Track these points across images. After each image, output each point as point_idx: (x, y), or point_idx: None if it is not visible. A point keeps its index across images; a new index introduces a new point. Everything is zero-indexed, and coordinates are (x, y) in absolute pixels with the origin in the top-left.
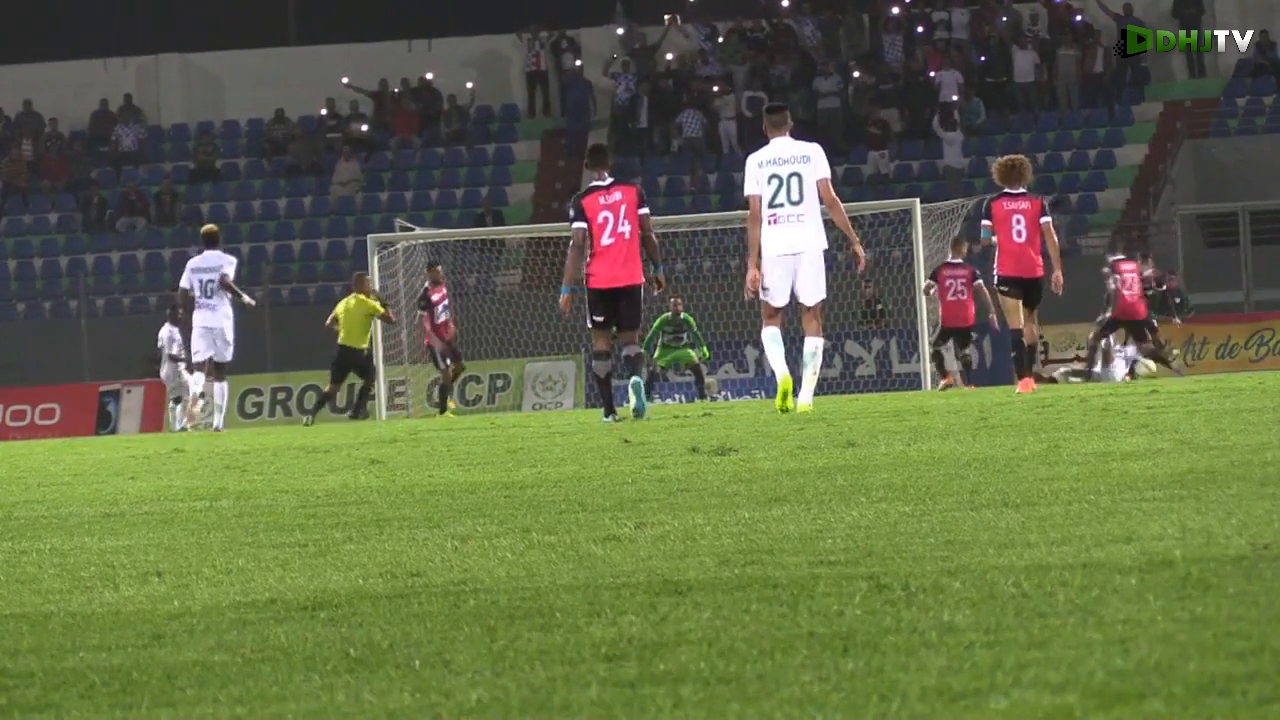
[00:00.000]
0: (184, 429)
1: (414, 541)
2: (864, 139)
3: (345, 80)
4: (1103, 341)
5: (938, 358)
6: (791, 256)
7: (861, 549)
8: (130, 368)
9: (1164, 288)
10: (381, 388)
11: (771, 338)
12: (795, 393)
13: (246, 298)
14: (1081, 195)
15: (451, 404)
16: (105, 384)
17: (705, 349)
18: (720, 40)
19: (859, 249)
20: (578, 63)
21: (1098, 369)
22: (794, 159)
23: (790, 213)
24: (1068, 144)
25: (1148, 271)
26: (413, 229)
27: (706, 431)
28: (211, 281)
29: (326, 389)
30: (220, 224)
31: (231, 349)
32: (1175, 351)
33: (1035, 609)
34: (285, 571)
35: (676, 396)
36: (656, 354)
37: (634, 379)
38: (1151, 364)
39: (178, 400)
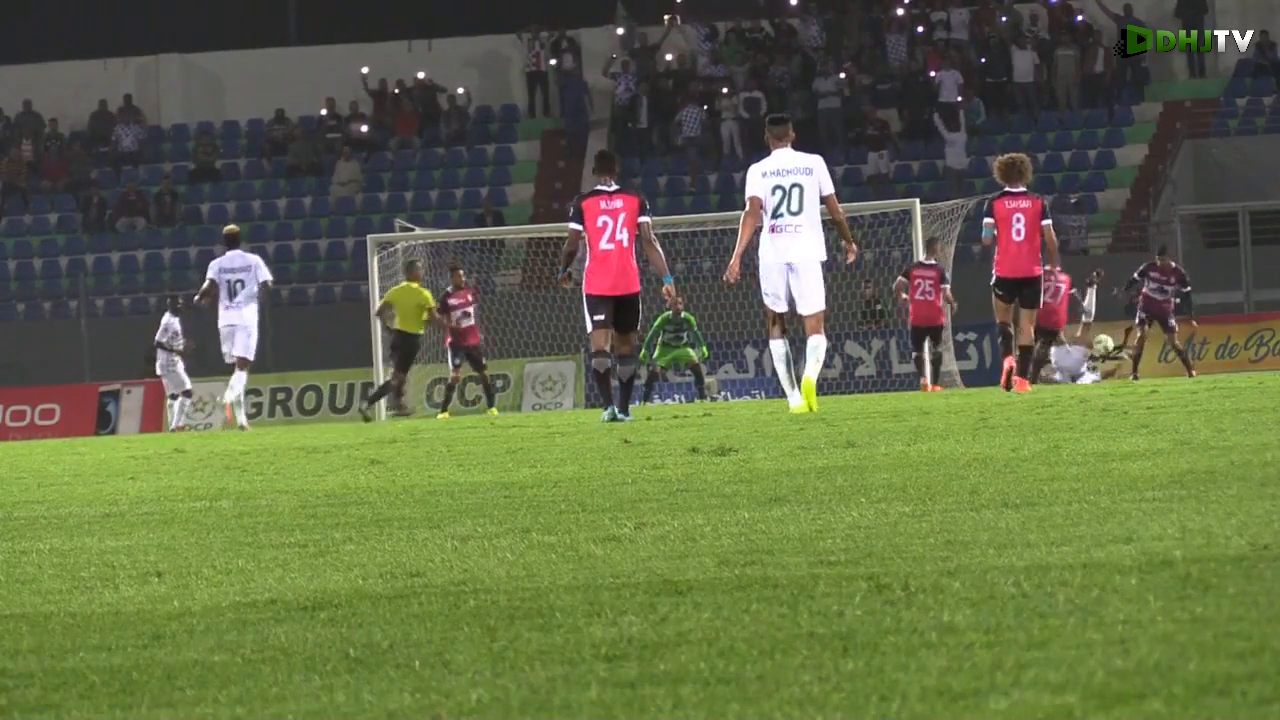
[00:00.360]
0: (180, 428)
1: (414, 541)
2: (864, 139)
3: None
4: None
5: (919, 363)
6: (787, 266)
7: (861, 549)
8: (130, 368)
9: (1188, 288)
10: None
11: (779, 355)
12: (798, 383)
13: (254, 306)
14: (1082, 195)
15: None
16: (105, 384)
17: (705, 349)
18: (720, 40)
19: (851, 247)
20: (575, 63)
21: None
22: (796, 170)
23: (790, 223)
24: (1068, 144)
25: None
26: (413, 229)
27: (706, 431)
28: (240, 281)
29: (390, 379)
30: (220, 224)
31: (254, 345)
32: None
33: (1035, 609)
34: (285, 571)
35: (676, 396)
36: (656, 353)
37: (608, 413)
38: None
39: (174, 397)
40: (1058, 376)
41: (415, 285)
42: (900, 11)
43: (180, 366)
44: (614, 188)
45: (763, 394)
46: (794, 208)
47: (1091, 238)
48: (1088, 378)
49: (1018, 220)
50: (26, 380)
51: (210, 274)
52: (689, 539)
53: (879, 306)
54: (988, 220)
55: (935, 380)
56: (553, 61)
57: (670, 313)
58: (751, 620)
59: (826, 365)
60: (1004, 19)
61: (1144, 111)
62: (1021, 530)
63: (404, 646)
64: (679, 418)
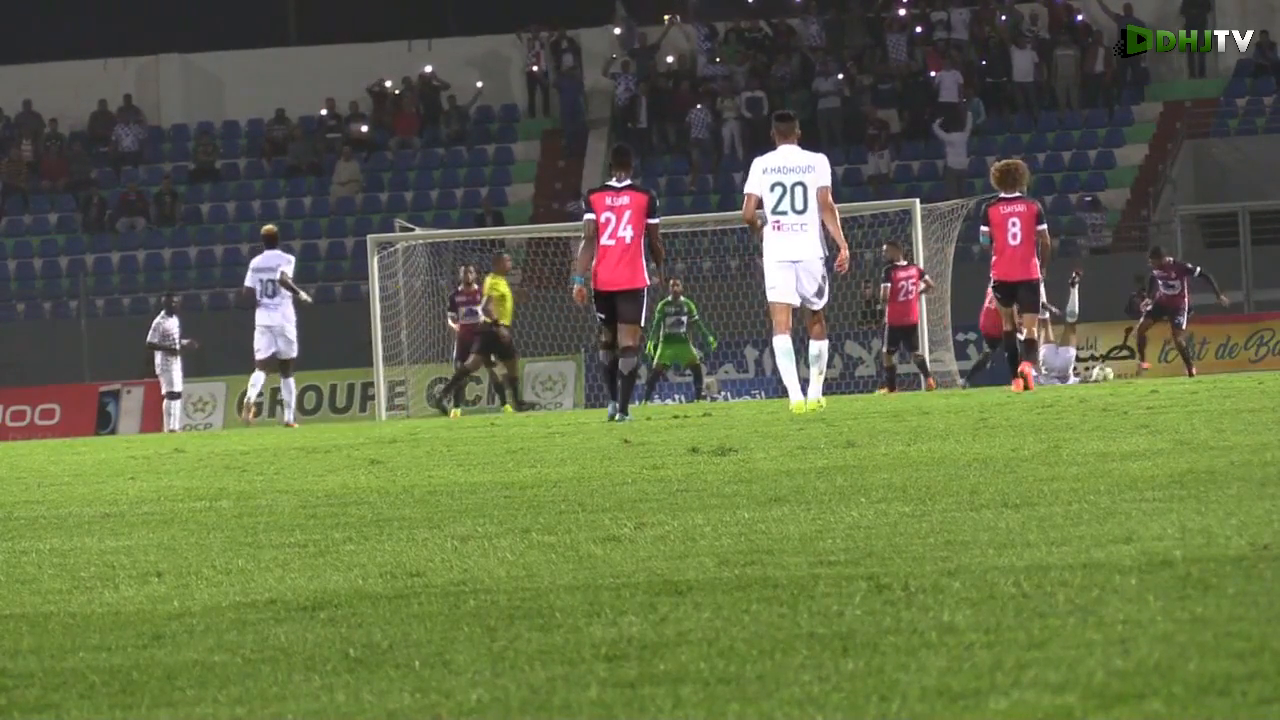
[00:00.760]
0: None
1: (414, 541)
2: (864, 139)
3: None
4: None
5: (891, 370)
6: (792, 263)
7: (861, 549)
8: (130, 368)
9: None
10: (381, 387)
11: (783, 350)
12: (803, 391)
13: (304, 295)
14: (1082, 195)
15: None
16: (105, 384)
17: (712, 338)
18: (720, 40)
19: (844, 253)
20: (575, 63)
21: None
22: (799, 168)
23: (794, 221)
24: (1068, 144)
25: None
26: (413, 229)
27: (706, 431)
28: (273, 281)
29: (504, 372)
30: (220, 224)
31: (295, 346)
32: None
33: (1035, 609)
34: (285, 571)
35: (676, 396)
36: (659, 349)
37: (621, 418)
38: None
39: (169, 397)
40: (1042, 379)
41: (502, 278)
42: (901, 12)
43: (175, 367)
44: (624, 184)
45: (763, 394)
46: (798, 206)
47: (1092, 238)
48: (1073, 380)
49: (1013, 225)
50: (26, 380)
51: (247, 278)
52: (689, 539)
53: (879, 306)
54: (984, 229)
55: (927, 376)
56: (559, 61)
57: (669, 296)
58: (751, 620)
59: (827, 365)
60: (1004, 18)
61: (1144, 111)
62: (1021, 530)
63: (404, 646)
64: (679, 418)
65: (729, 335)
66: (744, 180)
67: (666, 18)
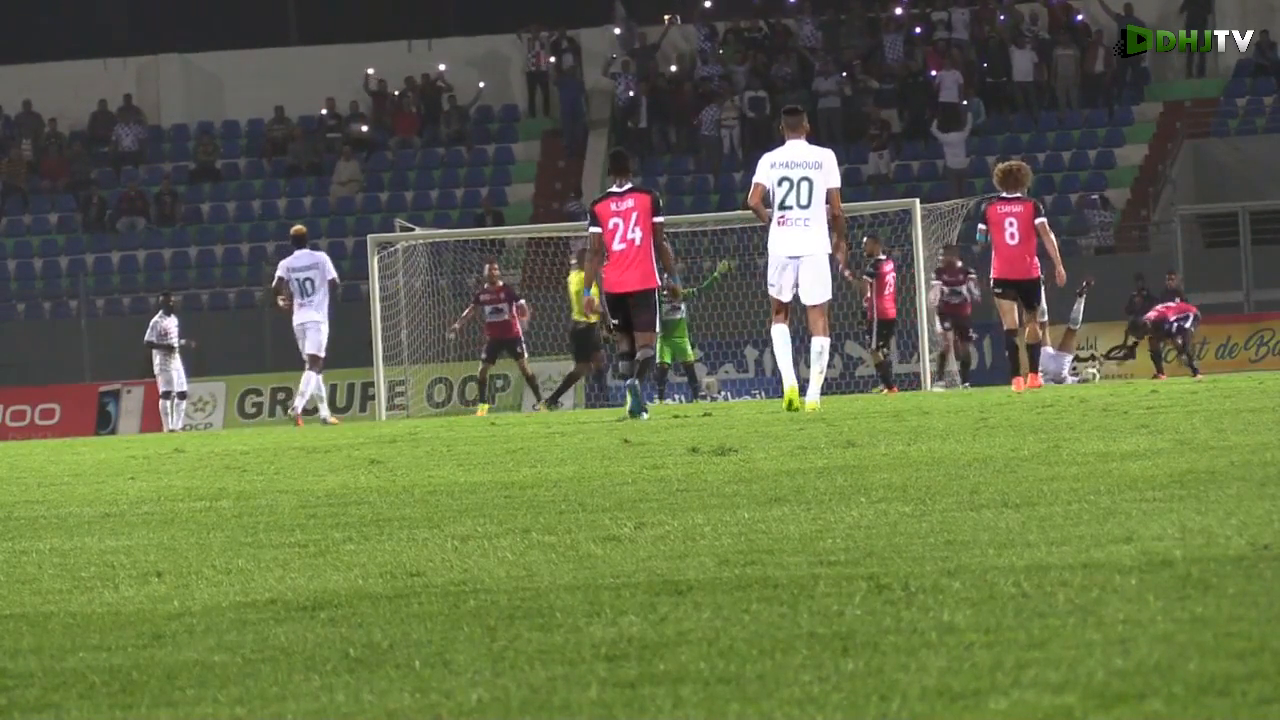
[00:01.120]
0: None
1: (414, 541)
2: (864, 139)
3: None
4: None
5: (887, 366)
6: (794, 259)
7: (861, 549)
8: (130, 368)
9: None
10: (381, 387)
11: (780, 338)
12: (802, 392)
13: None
14: (1081, 195)
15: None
16: (105, 384)
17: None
18: (719, 40)
19: (841, 247)
20: (575, 63)
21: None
22: (806, 164)
23: (798, 216)
24: (1068, 144)
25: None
26: (413, 229)
27: (706, 431)
28: (309, 280)
29: (576, 368)
30: (220, 224)
31: (325, 339)
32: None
33: (1035, 609)
34: (285, 571)
35: (677, 397)
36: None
37: (632, 381)
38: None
39: (165, 396)
40: (1041, 380)
41: (578, 273)
42: (899, 11)
43: (175, 366)
44: (626, 187)
45: (763, 394)
46: (803, 201)
47: (1092, 238)
48: (1070, 380)
49: (1010, 224)
50: (26, 380)
51: (279, 273)
52: (689, 539)
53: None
54: (980, 226)
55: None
56: (559, 61)
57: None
58: (751, 620)
59: (827, 364)
60: (1003, 19)
61: (1144, 111)
62: (1021, 530)
63: (404, 646)
64: (679, 418)
65: (729, 335)
66: (745, 180)
67: (666, 18)
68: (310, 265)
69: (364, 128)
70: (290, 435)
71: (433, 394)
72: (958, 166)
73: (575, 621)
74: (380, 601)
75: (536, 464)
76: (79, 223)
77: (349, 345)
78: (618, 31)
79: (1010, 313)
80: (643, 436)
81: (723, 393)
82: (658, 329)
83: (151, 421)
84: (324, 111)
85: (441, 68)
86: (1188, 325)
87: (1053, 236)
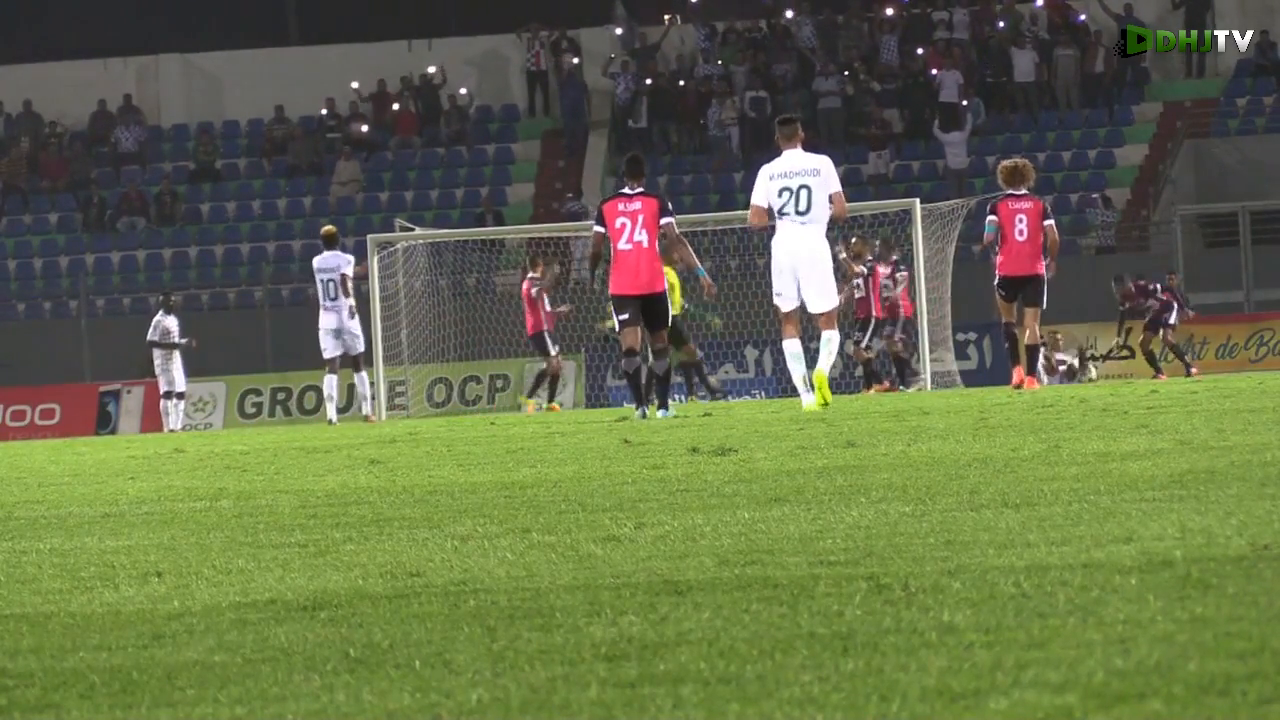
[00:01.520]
0: (175, 430)
1: (414, 541)
2: (864, 139)
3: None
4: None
5: (902, 361)
6: (796, 265)
7: (861, 549)
8: (130, 368)
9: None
10: (381, 387)
11: (793, 354)
12: (812, 388)
13: (352, 303)
14: (1081, 195)
15: (529, 402)
16: (105, 384)
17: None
18: (719, 40)
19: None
20: (575, 62)
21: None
22: (804, 172)
23: (798, 222)
24: (1068, 144)
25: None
26: (413, 229)
27: (706, 431)
28: (333, 281)
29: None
30: (220, 224)
31: (361, 340)
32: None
33: (1035, 609)
34: (285, 571)
35: (677, 397)
36: None
37: (663, 414)
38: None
39: (167, 396)
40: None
41: (669, 267)
42: (889, 11)
43: (176, 366)
44: (637, 190)
45: (763, 394)
46: (801, 208)
47: (1092, 238)
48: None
49: (1020, 220)
50: (26, 380)
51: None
52: (689, 539)
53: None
54: (991, 218)
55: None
56: (559, 61)
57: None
58: (751, 620)
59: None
60: (1000, 26)
61: (1144, 111)
62: (1021, 530)
63: (404, 646)
64: (679, 418)
65: (729, 335)
66: (744, 180)
67: (666, 18)
68: (334, 267)
69: (364, 128)
70: (290, 435)
71: (433, 394)
72: (958, 167)
73: (575, 621)
74: (380, 601)
75: (536, 464)
76: (79, 223)
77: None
78: (618, 31)
79: (1009, 310)
80: (643, 436)
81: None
82: (669, 324)
83: (151, 421)
84: (324, 111)
85: (431, 69)
86: (1172, 321)
87: (1057, 237)
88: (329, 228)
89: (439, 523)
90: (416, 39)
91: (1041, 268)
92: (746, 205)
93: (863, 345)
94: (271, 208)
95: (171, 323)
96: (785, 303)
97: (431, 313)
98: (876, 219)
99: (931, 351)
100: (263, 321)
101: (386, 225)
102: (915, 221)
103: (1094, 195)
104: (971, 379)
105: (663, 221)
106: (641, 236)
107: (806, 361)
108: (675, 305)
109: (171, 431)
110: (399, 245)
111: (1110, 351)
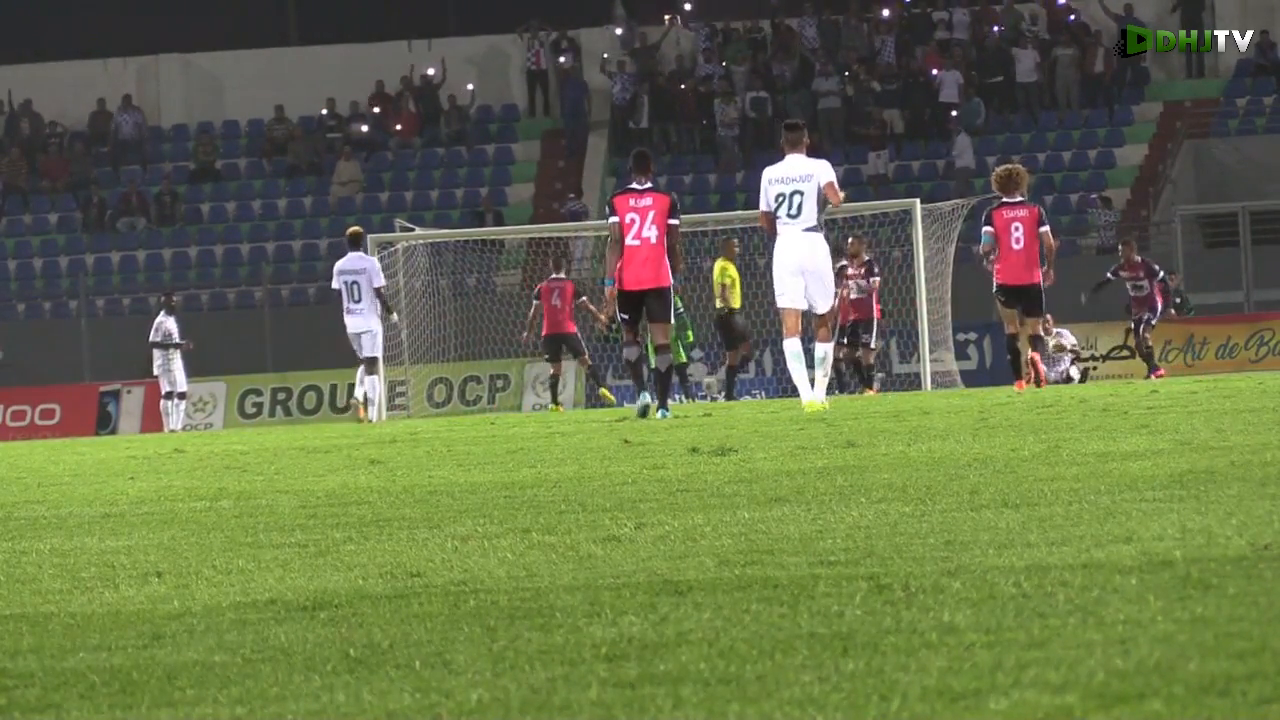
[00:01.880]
0: (175, 430)
1: (414, 541)
2: (864, 139)
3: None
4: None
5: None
6: (796, 267)
7: (861, 549)
8: (130, 368)
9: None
10: (382, 387)
11: (794, 354)
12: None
13: (394, 316)
14: (1081, 195)
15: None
16: (105, 384)
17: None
18: (719, 40)
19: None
20: (575, 62)
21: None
22: (799, 178)
23: (794, 226)
24: (1068, 144)
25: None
26: (413, 229)
27: (706, 431)
28: (356, 284)
29: (730, 361)
30: (220, 224)
31: (379, 345)
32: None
33: (1035, 609)
34: (285, 571)
35: (676, 397)
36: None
37: (662, 414)
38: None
39: (168, 396)
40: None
41: (729, 262)
42: (886, 13)
43: (177, 366)
44: (646, 186)
45: (762, 394)
46: (792, 212)
47: (1092, 238)
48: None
49: (1016, 229)
50: (26, 380)
51: (334, 280)
52: (689, 539)
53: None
54: (987, 229)
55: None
56: (559, 60)
57: None
58: (751, 620)
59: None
60: (999, 28)
61: (1144, 111)
62: (1021, 530)
63: (404, 646)
64: (679, 418)
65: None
66: (745, 180)
67: (666, 18)
68: (359, 269)
69: (364, 128)
70: (290, 435)
71: (433, 394)
72: (962, 166)
73: (575, 621)
74: (380, 601)
75: (536, 464)
76: (79, 223)
77: (349, 345)
78: (618, 31)
79: (1012, 320)
80: (643, 436)
81: (723, 393)
82: (671, 320)
83: (152, 421)
84: (324, 111)
85: (431, 71)
86: (1154, 321)
87: (1053, 242)
88: (355, 228)
89: (439, 523)
90: (416, 39)
91: (1039, 276)
92: (747, 205)
93: (870, 345)
94: (271, 208)
95: (172, 324)
96: (786, 301)
97: (432, 313)
98: (876, 219)
99: (931, 351)
100: (263, 321)
101: (386, 225)
102: (915, 222)
103: (1094, 196)
104: (971, 379)
105: (670, 223)
106: (650, 233)
107: (807, 362)
108: (735, 300)
109: (172, 431)
110: (399, 245)
111: (1112, 351)
